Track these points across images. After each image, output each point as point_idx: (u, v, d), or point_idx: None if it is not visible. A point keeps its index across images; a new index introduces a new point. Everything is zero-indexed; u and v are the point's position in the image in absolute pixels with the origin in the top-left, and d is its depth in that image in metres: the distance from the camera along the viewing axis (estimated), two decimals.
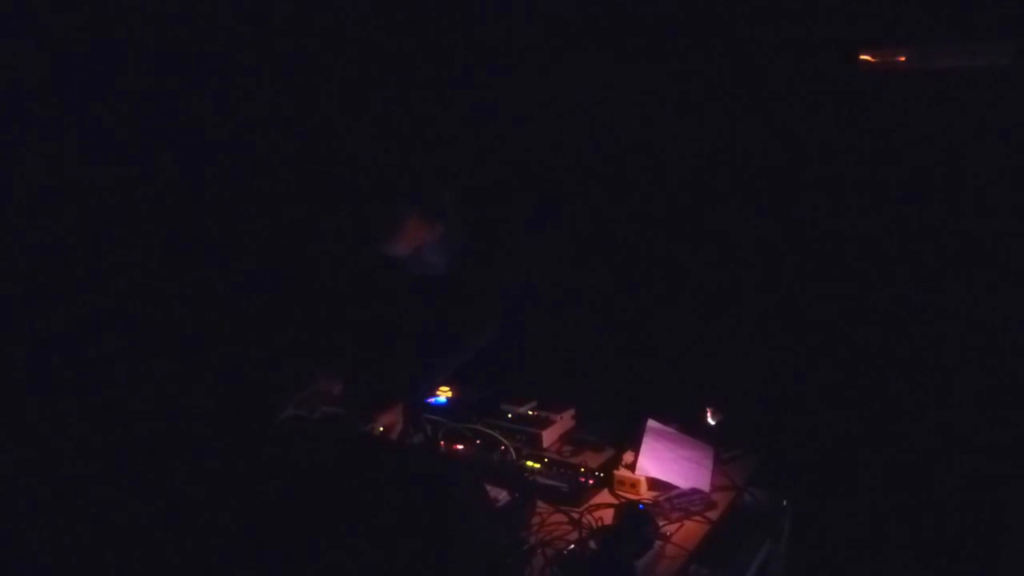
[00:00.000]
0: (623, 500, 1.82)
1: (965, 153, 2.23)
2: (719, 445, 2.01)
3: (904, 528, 2.44)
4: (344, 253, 2.73)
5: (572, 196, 2.87)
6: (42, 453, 2.01)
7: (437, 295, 2.27)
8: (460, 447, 2.07)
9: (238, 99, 2.54)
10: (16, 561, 1.85)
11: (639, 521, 1.61)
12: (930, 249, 2.33)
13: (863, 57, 2.30)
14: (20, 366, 2.08)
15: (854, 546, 2.51)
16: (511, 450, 2.00)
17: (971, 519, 2.34)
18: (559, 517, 1.75)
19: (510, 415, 2.16)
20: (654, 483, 1.85)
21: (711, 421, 2.10)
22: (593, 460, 1.97)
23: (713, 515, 1.75)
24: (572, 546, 1.62)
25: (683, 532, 1.68)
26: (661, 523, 1.68)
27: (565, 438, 2.13)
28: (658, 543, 1.62)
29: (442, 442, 2.09)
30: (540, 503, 1.80)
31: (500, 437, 2.01)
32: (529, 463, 1.98)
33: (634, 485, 1.85)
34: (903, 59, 2.26)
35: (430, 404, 2.26)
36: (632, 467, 1.87)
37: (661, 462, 1.88)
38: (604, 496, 1.86)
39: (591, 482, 1.86)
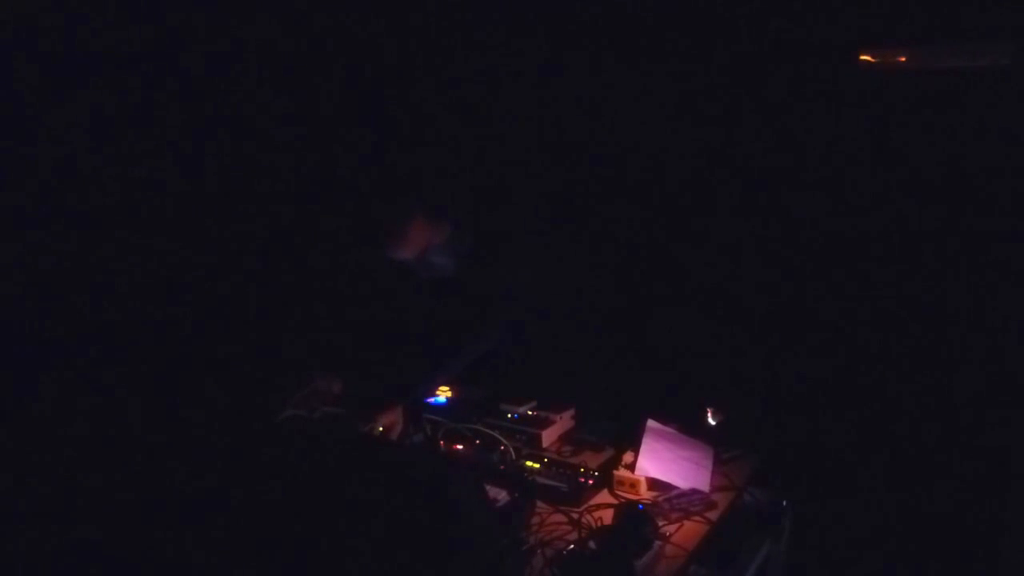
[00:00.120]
0: (623, 500, 1.82)
1: (965, 153, 2.23)
2: (719, 445, 2.01)
3: (904, 528, 2.44)
4: (346, 254, 2.73)
5: (572, 196, 2.87)
6: (42, 453, 2.01)
7: (442, 298, 2.27)
8: (460, 447, 2.07)
9: (241, 99, 2.55)
10: (16, 561, 1.85)
11: (639, 521, 1.61)
12: (930, 249, 2.33)
13: (863, 57, 2.30)
14: (20, 366, 2.08)
15: (854, 546, 2.51)
16: (511, 450, 2.00)
17: (971, 519, 2.34)
18: (559, 517, 1.75)
19: (510, 415, 2.16)
20: (654, 483, 1.85)
21: (711, 421, 2.10)
22: (593, 460, 1.97)
23: (713, 515, 1.75)
24: (572, 546, 1.62)
25: (683, 532, 1.68)
26: (661, 523, 1.68)
27: (565, 438, 2.13)
28: (658, 543, 1.62)
29: (442, 442, 2.09)
30: (540, 503, 1.80)
31: (500, 437, 2.02)
32: (529, 463, 1.98)
33: (634, 485, 1.85)
34: (903, 59, 2.26)
35: (430, 404, 2.26)
36: (632, 467, 1.87)
37: (661, 462, 1.88)
38: (604, 496, 1.86)
39: (591, 482, 1.86)
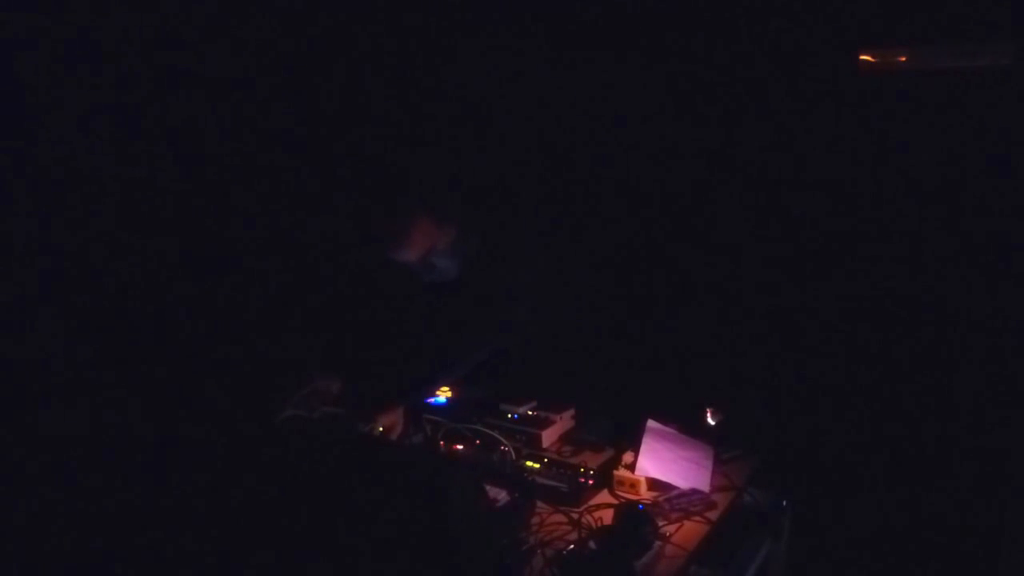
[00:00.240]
0: (623, 500, 1.83)
1: (965, 153, 2.23)
2: (719, 445, 2.01)
3: (904, 528, 2.44)
4: (348, 253, 2.73)
5: (572, 196, 2.87)
6: (42, 452, 2.02)
7: (444, 300, 2.27)
8: (460, 447, 2.07)
9: (243, 98, 2.54)
10: (17, 561, 1.85)
11: (639, 521, 1.61)
12: (930, 249, 2.33)
13: (863, 57, 2.30)
14: (20, 366, 2.08)
15: (854, 546, 2.51)
16: (511, 450, 2.00)
17: (971, 519, 2.34)
18: (559, 517, 1.75)
19: (510, 415, 2.16)
20: (654, 483, 1.85)
21: (711, 421, 2.10)
22: (593, 460, 1.97)
23: (713, 515, 1.75)
24: (572, 546, 1.62)
25: (683, 532, 1.68)
26: (661, 523, 1.68)
27: (565, 438, 2.12)
28: (658, 543, 1.62)
29: (442, 442, 2.09)
30: (540, 503, 1.80)
31: (500, 437, 2.01)
32: (529, 463, 1.98)
33: (634, 485, 1.85)
34: (903, 59, 2.26)
35: (430, 404, 2.26)
36: (632, 467, 1.87)
37: (661, 462, 1.88)
38: (604, 496, 1.86)
39: (591, 482, 1.86)
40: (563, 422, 2.15)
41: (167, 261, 2.38)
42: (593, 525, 1.70)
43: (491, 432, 2.04)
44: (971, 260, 2.27)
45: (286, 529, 1.48)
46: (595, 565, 1.56)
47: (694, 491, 1.80)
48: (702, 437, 2.03)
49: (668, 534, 1.66)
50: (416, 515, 1.43)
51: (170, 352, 2.36)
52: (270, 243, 2.67)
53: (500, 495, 1.80)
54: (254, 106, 2.58)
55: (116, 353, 2.23)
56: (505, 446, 2.00)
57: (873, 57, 2.28)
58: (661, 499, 1.78)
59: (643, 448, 1.90)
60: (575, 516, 1.73)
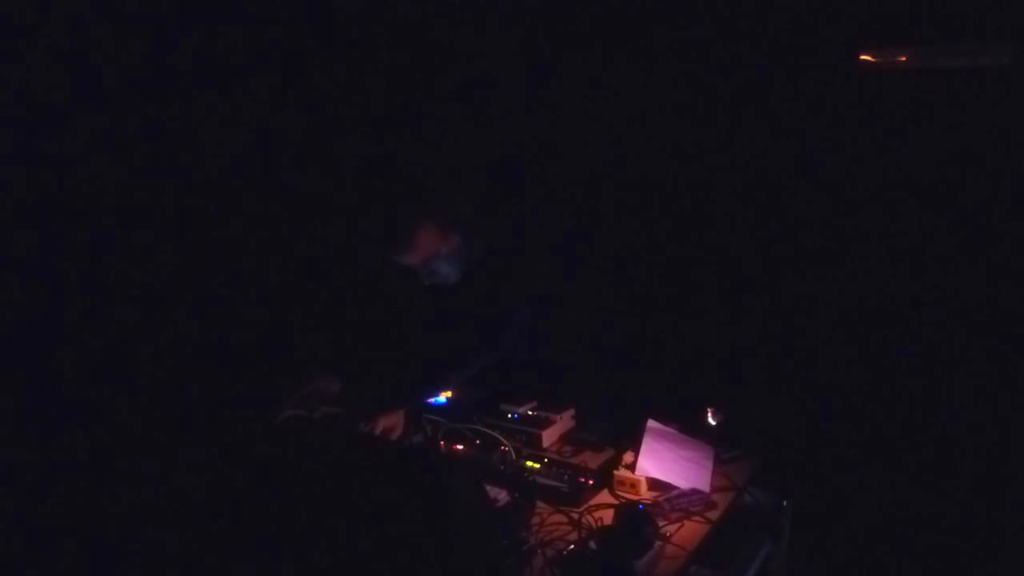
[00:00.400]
0: (623, 500, 1.82)
1: (965, 153, 2.23)
2: (719, 445, 2.00)
3: (904, 528, 2.44)
4: (351, 254, 2.72)
5: (573, 197, 2.87)
6: (42, 452, 2.01)
7: (446, 304, 2.27)
8: (460, 447, 2.07)
9: (246, 99, 2.54)
10: (16, 561, 1.85)
11: (639, 521, 1.61)
12: (930, 249, 2.33)
13: (863, 57, 2.30)
14: (21, 365, 2.08)
15: (854, 546, 2.51)
16: (511, 450, 2.00)
17: (971, 519, 2.34)
18: (559, 517, 1.75)
19: (510, 415, 2.16)
20: (654, 483, 1.85)
21: (711, 421, 2.10)
22: (593, 460, 1.97)
23: (713, 515, 1.75)
24: (572, 546, 1.62)
25: (683, 532, 1.68)
26: (661, 523, 1.68)
27: (565, 438, 2.13)
28: (658, 543, 1.62)
29: (442, 442, 2.09)
30: (540, 503, 1.80)
31: (500, 437, 2.01)
32: (529, 463, 1.98)
33: (634, 485, 1.85)
34: (903, 59, 2.26)
35: (430, 404, 2.26)
36: (632, 467, 1.87)
37: (661, 462, 1.88)
38: (604, 496, 1.86)
39: (591, 482, 1.86)
40: (563, 422, 2.15)
41: (168, 261, 2.38)
42: (593, 525, 1.70)
43: (491, 432, 2.04)
44: (971, 260, 2.27)
45: (286, 529, 1.48)
46: (595, 565, 1.56)
47: (694, 491, 1.80)
48: (702, 437, 2.03)
49: (668, 534, 1.66)
50: (416, 515, 1.43)
51: (171, 351, 2.36)
52: (271, 243, 2.66)
53: (500, 495, 1.80)
54: (255, 106, 2.58)
55: (116, 353, 2.23)
56: (505, 446, 2.00)
57: (873, 57, 2.28)
58: (661, 499, 1.78)
59: (643, 448, 1.90)
60: (575, 516, 1.73)
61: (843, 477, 2.51)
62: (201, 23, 2.39)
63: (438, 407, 2.26)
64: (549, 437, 2.08)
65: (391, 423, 2.09)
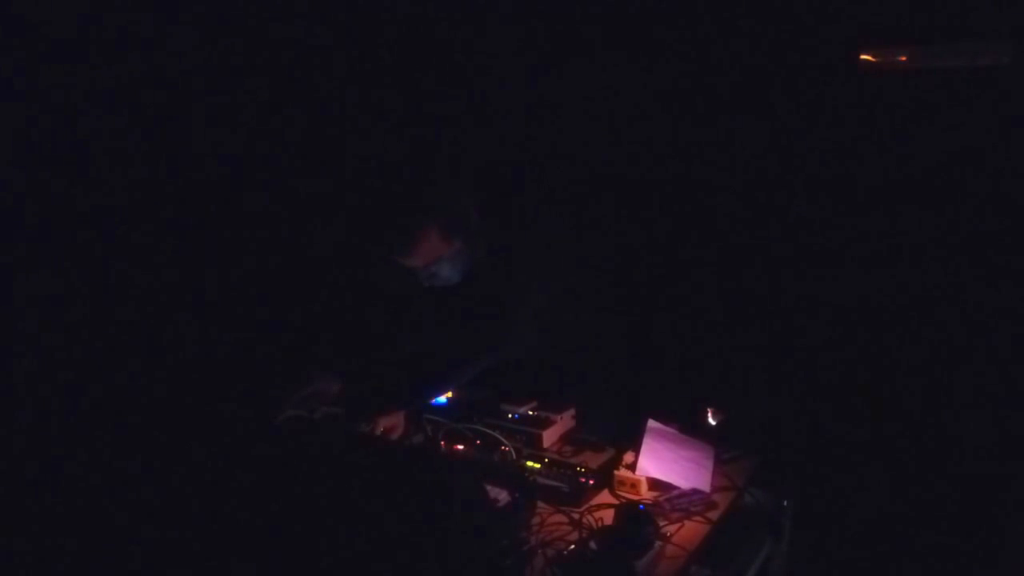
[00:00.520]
0: (623, 500, 1.82)
1: (965, 153, 2.23)
2: (719, 445, 2.00)
3: (904, 528, 2.44)
4: (352, 256, 2.72)
5: (573, 197, 2.87)
6: (42, 452, 2.01)
7: (447, 306, 2.27)
8: (460, 447, 2.07)
9: (249, 99, 2.54)
10: (16, 561, 1.84)
11: (639, 521, 1.61)
12: (930, 248, 2.33)
13: (863, 57, 2.30)
14: (21, 365, 2.07)
15: (855, 546, 2.51)
16: (511, 450, 2.00)
17: (971, 519, 2.34)
18: (559, 517, 1.75)
19: (510, 415, 2.16)
20: (654, 483, 1.85)
21: (711, 421, 2.10)
22: (593, 460, 1.97)
23: (713, 515, 1.75)
24: (572, 546, 1.62)
25: (683, 532, 1.68)
26: (661, 523, 1.68)
27: (565, 438, 2.12)
28: (658, 543, 1.62)
29: (442, 442, 2.09)
30: (540, 503, 1.80)
31: (500, 437, 2.01)
32: (529, 463, 1.98)
33: (634, 485, 1.85)
34: (903, 59, 2.26)
35: (430, 404, 2.26)
36: (632, 467, 1.87)
37: (661, 462, 1.88)
38: (604, 496, 1.86)
39: (591, 482, 1.86)
40: (564, 422, 2.15)
41: (168, 260, 2.38)
42: (594, 525, 1.70)
43: (492, 432, 2.04)
44: (971, 259, 2.27)
45: (286, 529, 1.48)
46: (596, 565, 1.56)
47: (695, 491, 1.80)
48: (703, 437, 2.03)
49: (669, 534, 1.66)
50: (416, 515, 1.43)
51: (171, 351, 2.36)
52: (271, 243, 2.66)
53: (501, 495, 1.80)
54: (255, 106, 2.58)
55: (117, 353, 2.23)
56: (506, 446, 2.00)
57: (873, 57, 2.28)
58: (662, 499, 1.78)
59: (644, 448, 1.90)
60: (576, 516, 1.73)
61: (843, 477, 2.51)
62: (203, 24, 2.39)
63: (438, 407, 2.26)
64: (549, 437, 2.08)
65: (392, 423, 2.09)
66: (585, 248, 2.84)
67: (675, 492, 1.80)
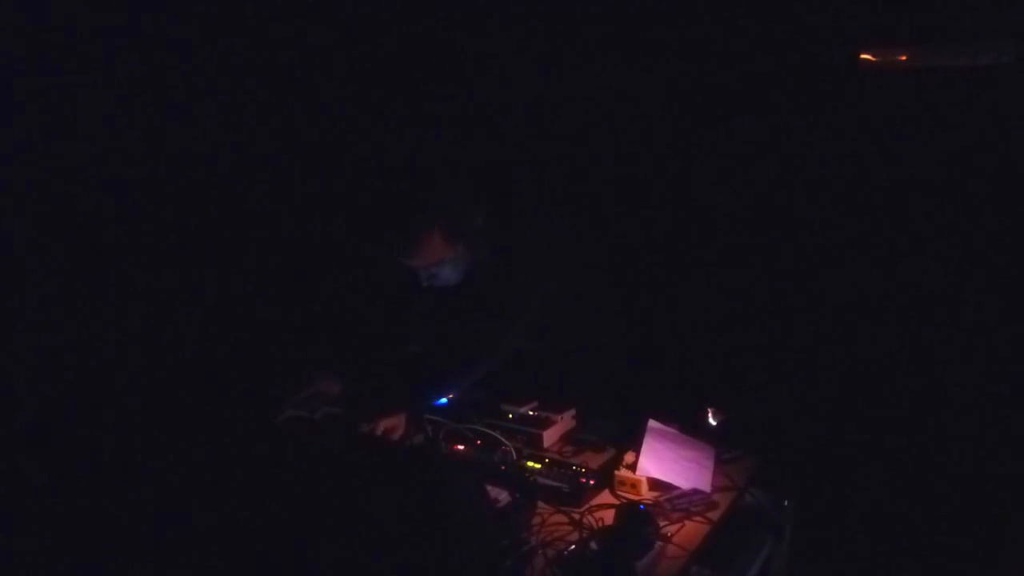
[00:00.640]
0: (624, 501, 1.82)
1: (965, 153, 2.23)
2: (720, 445, 2.00)
3: (904, 528, 2.44)
4: (353, 256, 2.72)
5: (573, 197, 2.87)
6: (42, 452, 2.01)
7: (452, 310, 2.27)
8: (461, 447, 2.07)
9: (252, 98, 2.54)
10: (16, 561, 1.84)
11: (640, 522, 1.61)
12: (930, 249, 2.33)
13: (863, 57, 2.30)
14: (21, 365, 2.07)
15: (855, 546, 2.51)
16: (512, 450, 2.00)
17: (971, 519, 2.34)
18: (560, 518, 1.74)
19: (511, 415, 2.16)
20: (655, 483, 1.85)
21: (712, 421, 2.10)
22: (594, 460, 1.97)
23: (714, 515, 1.75)
24: (573, 547, 1.62)
25: (684, 533, 1.68)
26: (662, 523, 1.68)
27: (566, 438, 2.13)
28: (659, 544, 1.62)
29: (443, 442, 2.09)
30: (541, 504, 1.79)
31: (501, 437, 2.01)
32: (530, 463, 1.98)
33: (635, 485, 1.85)
34: (904, 58, 2.26)
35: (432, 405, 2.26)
36: (633, 467, 1.87)
37: (662, 462, 1.87)
38: (605, 497, 1.86)
39: (592, 482, 1.86)
40: (564, 422, 2.15)
41: (169, 260, 2.37)
42: (594, 525, 1.70)
43: (492, 432, 2.04)
44: (972, 259, 2.27)
45: (287, 530, 1.48)
46: (596, 565, 1.56)
47: (695, 491, 1.80)
48: (703, 437, 2.03)
49: (669, 534, 1.66)
50: (417, 515, 1.43)
51: (171, 351, 2.35)
52: (272, 243, 2.66)
53: (501, 495, 1.80)
54: (256, 106, 2.57)
55: (117, 353, 2.23)
56: (506, 446, 2.00)
57: (874, 56, 2.28)
58: (662, 499, 1.78)
59: (644, 448, 1.90)
60: (576, 516, 1.73)
61: (843, 477, 2.51)
62: (203, 24, 2.39)
63: (439, 407, 2.26)
64: (550, 437, 2.08)
65: (393, 424, 2.09)
66: (585, 248, 2.84)
67: (675, 492, 1.80)
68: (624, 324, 2.79)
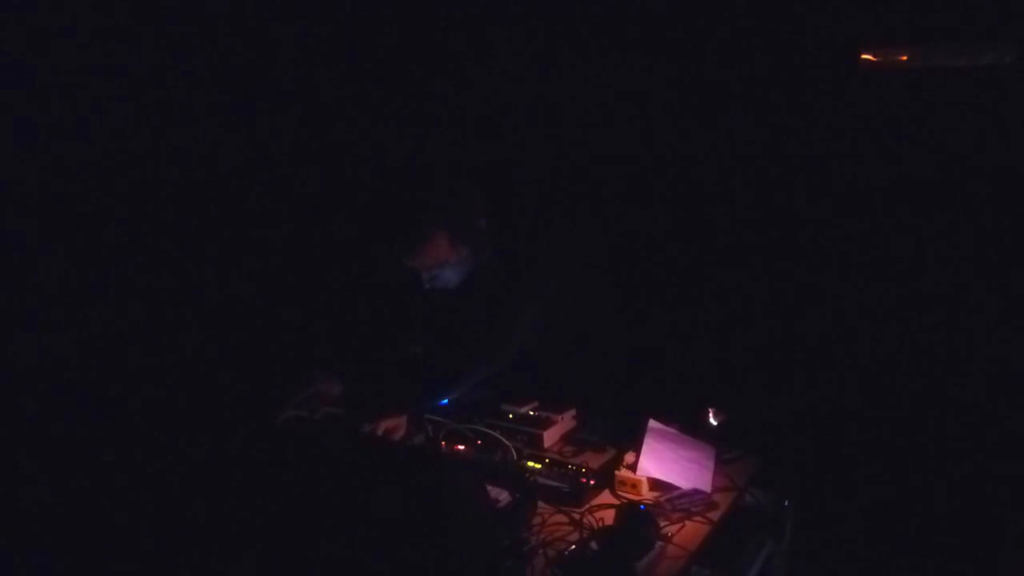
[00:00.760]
0: (624, 501, 1.82)
1: (965, 153, 2.23)
2: (720, 445, 2.00)
3: (904, 528, 2.44)
4: (354, 257, 2.72)
5: (573, 197, 2.87)
6: (42, 452, 2.01)
7: (453, 310, 2.27)
8: (461, 447, 2.07)
9: (254, 98, 2.54)
10: (17, 561, 1.84)
11: (640, 522, 1.61)
12: (930, 249, 2.33)
13: (864, 56, 2.30)
14: (21, 365, 2.07)
15: (855, 546, 2.51)
16: (512, 450, 1.99)
17: (971, 519, 2.34)
18: (560, 518, 1.74)
19: (511, 415, 2.15)
20: (655, 483, 1.84)
21: (712, 421, 2.10)
22: (594, 460, 1.97)
23: (714, 516, 1.75)
24: (573, 547, 1.62)
25: (684, 533, 1.68)
26: (662, 524, 1.67)
27: (566, 438, 2.12)
28: (659, 544, 1.62)
29: (443, 442, 2.09)
30: (541, 504, 1.79)
31: (501, 437, 2.01)
32: (530, 463, 1.97)
33: (635, 485, 1.84)
34: (904, 58, 2.26)
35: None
36: (633, 467, 1.86)
37: (662, 462, 1.87)
38: (605, 497, 1.86)
39: (592, 482, 1.86)
40: (564, 422, 2.15)
41: (169, 260, 2.37)
42: (595, 525, 1.70)
43: (492, 432, 2.03)
44: (972, 259, 2.27)
45: (287, 530, 1.48)
46: (597, 565, 1.56)
47: (696, 491, 1.80)
48: (704, 437, 2.02)
49: (669, 534, 1.66)
50: (417, 516, 1.43)
51: (171, 351, 2.35)
52: (272, 243, 2.66)
53: (501, 495, 1.80)
54: (257, 106, 2.57)
55: (117, 353, 2.23)
56: (506, 447, 2.00)
57: (874, 56, 2.28)
58: (662, 499, 1.77)
59: (644, 448, 1.90)
60: (576, 516, 1.73)
61: (843, 477, 2.51)
62: (204, 24, 2.39)
63: (440, 407, 2.26)
64: (550, 437, 2.08)
65: (393, 424, 2.09)
66: (585, 248, 2.84)
67: (676, 492, 1.80)
68: (624, 324, 2.79)
